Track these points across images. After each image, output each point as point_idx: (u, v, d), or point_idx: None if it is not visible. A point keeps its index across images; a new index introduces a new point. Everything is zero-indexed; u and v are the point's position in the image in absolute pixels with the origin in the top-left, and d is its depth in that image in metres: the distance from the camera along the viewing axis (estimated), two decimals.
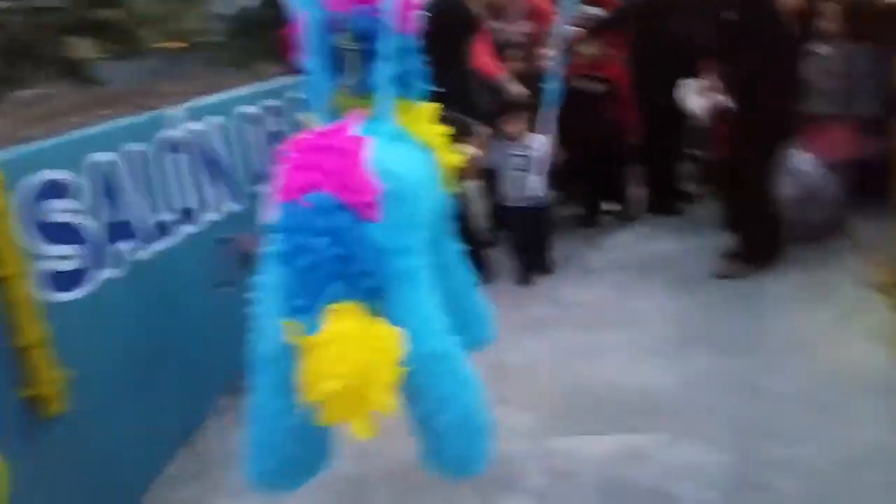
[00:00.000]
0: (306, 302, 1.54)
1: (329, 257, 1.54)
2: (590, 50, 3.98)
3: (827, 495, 1.97)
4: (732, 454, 2.18)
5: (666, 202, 4.32)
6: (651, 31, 3.93)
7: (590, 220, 4.25)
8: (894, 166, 2.83)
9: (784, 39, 3.26)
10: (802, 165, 3.57)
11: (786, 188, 3.50)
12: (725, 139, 3.64)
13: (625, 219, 4.24)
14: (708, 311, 3.10)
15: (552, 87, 3.38)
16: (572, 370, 2.78)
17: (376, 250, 1.58)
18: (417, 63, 1.85)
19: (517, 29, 4.20)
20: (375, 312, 1.59)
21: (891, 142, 3.40)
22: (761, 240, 3.41)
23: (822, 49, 3.69)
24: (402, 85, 1.79)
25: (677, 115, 4.09)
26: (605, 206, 4.35)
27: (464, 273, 2.17)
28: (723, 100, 3.28)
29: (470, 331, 2.07)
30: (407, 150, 1.75)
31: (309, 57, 1.76)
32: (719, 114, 3.42)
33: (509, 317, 3.23)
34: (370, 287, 1.59)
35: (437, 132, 1.91)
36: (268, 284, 1.68)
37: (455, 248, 2.12)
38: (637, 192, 4.39)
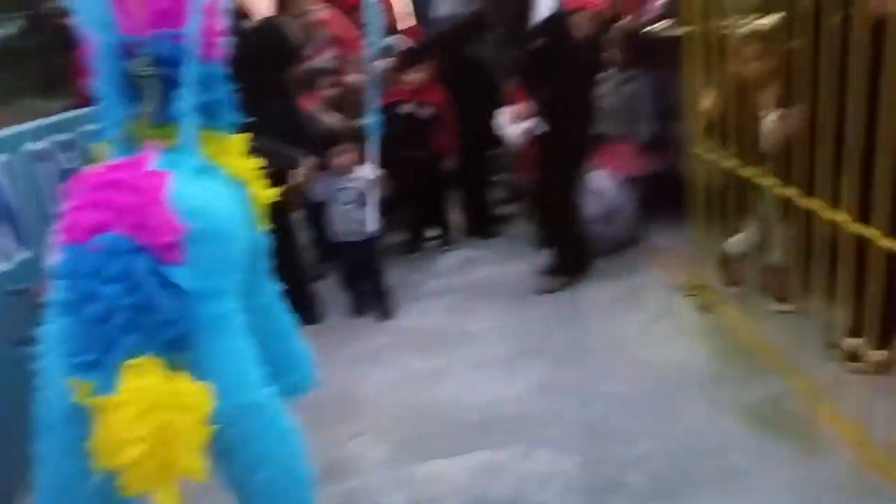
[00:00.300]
0: (97, 357, 1.33)
1: (123, 306, 1.34)
2: (414, 76, 4.02)
3: (671, 486, 2.10)
4: (584, 457, 2.28)
5: (483, 225, 4.47)
6: (456, 59, 4.07)
7: (414, 246, 4.29)
8: (689, 179, 3.13)
9: (580, 67, 3.51)
10: (601, 184, 3.88)
11: (589, 206, 3.78)
12: (533, 163, 3.87)
13: (447, 243, 4.33)
14: (537, 325, 3.23)
15: (373, 116, 3.35)
16: (419, 395, 2.78)
17: (180, 296, 1.41)
18: (225, 92, 1.68)
19: (323, 56, 4.18)
20: (180, 365, 1.42)
21: (675, 158, 3.80)
22: (573, 255, 3.63)
23: (610, 75, 4.05)
24: (209, 115, 1.63)
25: (488, 141, 4.29)
26: (427, 231, 4.42)
27: (283, 315, 2.00)
28: (534, 125, 3.45)
29: (290, 376, 1.95)
30: (214, 185, 1.59)
31: (101, 84, 1.55)
32: (530, 138, 3.61)
33: (348, 349, 3.19)
34: (173, 338, 1.41)
35: (248, 165, 1.76)
36: (52, 337, 1.46)
37: (273, 289, 1.95)
38: (456, 216, 4.51)
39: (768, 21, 2.55)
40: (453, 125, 4.20)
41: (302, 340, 2.00)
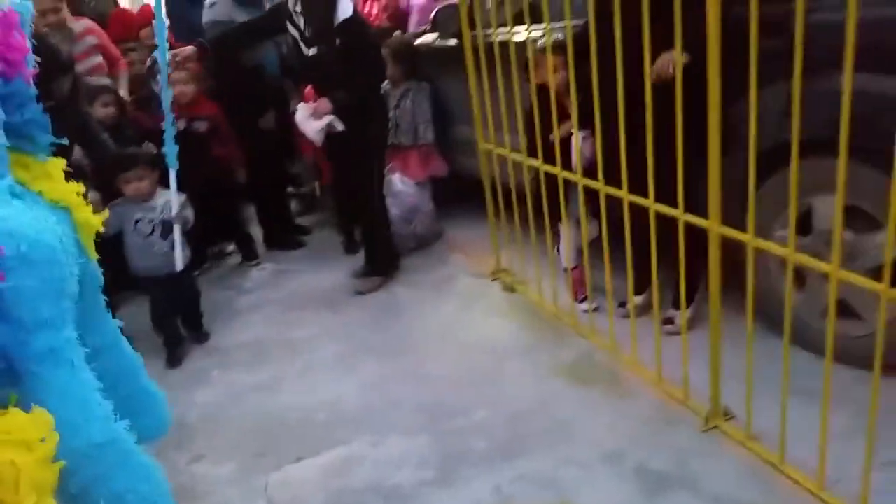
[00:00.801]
0: None
1: None
2: (183, 90, 3.83)
3: (511, 445, 2.33)
4: (429, 435, 2.44)
5: (285, 236, 4.47)
6: (230, 68, 3.95)
7: (203, 259, 4.12)
8: (484, 179, 3.42)
9: (377, 69, 3.66)
10: (398, 187, 4.08)
11: (392, 208, 3.96)
12: (331, 166, 3.98)
13: (250, 258, 4.26)
14: (360, 325, 3.34)
15: (170, 137, 3.05)
16: (257, 407, 2.77)
17: (2, 327, 1.32)
18: (35, 112, 1.60)
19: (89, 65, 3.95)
20: (12, 402, 1.33)
21: (459, 158, 4.11)
22: (382, 254, 3.78)
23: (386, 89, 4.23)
24: (19, 137, 1.55)
25: (277, 148, 4.30)
26: (226, 247, 4.33)
27: (127, 353, 1.84)
28: (334, 122, 3.49)
29: (141, 419, 1.83)
30: (31, 209, 1.46)
31: None
32: (328, 141, 3.64)
33: (170, 376, 3.06)
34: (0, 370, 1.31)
35: (70, 190, 1.62)
36: None
37: (113, 326, 1.80)
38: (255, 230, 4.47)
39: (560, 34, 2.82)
40: (232, 136, 4.08)
41: (150, 380, 1.90)
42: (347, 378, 2.88)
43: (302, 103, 3.63)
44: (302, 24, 3.39)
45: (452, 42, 3.80)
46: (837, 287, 1.73)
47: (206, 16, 4.00)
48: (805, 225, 2.36)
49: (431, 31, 4.16)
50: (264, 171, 4.29)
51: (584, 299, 3.02)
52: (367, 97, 3.51)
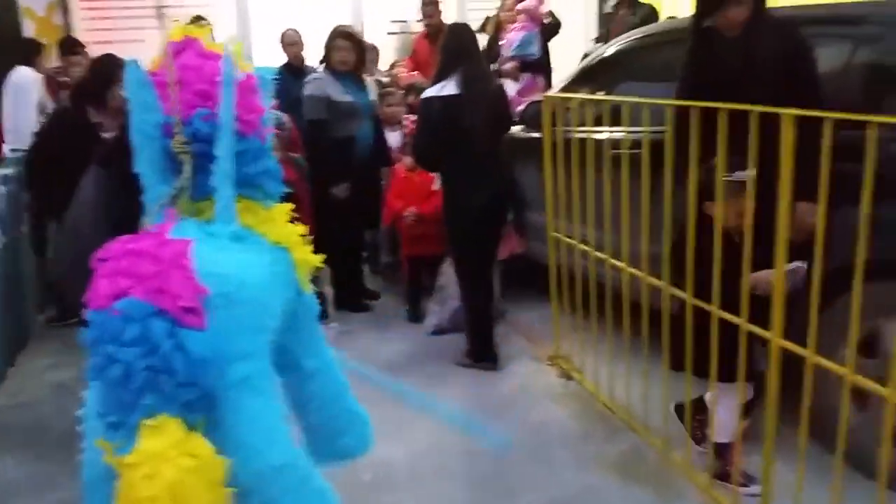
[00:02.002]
0: (120, 418, 1.41)
1: (140, 368, 1.44)
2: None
3: None
4: None
5: (354, 300, 4.64)
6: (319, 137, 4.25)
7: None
8: (551, 266, 3.53)
9: None
10: None
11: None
12: (418, 238, 4.17)
13: (321, 316, 4.41)
14: (417, 390, 3.40)
15: None
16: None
17: (202, 359, 1.46)
18: (267, 164, 1.73)
19: None
20: (203, 426, 1.48)
21: (530, 242, 4.24)
22: (479, 341, 3.74)
23: None
24: (250, 187, 1.69)
25: (352, 217, 4.51)
26: None
27: (337, 377, 1.98)
28: None
29: (344, 438, 1.94)
30: (247, 252, 1.62)
31: (141, 162, 1.66)
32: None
33: None
34: (191, 399, 1.46)
35: (292, 231, 1.78)
36: (90, 401, 1.51)
37: (328, 352, 1.95)
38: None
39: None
40: (306, 204, 4.19)
41: (356, 402, 2.06)
42: (398, 441, 2.95)
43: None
44: None
45: (536, 134, 3.99)
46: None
47: (306, 90, 4.30)
48: (873, 348, 2.37)
49: (519, 123, 4.37)
50: (336, 238, 4.50)
51: (749, 480, 2.47)
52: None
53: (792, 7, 2.63)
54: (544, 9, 6.15)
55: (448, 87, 3.47)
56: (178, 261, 1.51)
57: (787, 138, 1.90)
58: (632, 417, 2.95)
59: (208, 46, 1.66)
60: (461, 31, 3.70)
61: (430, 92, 3.54)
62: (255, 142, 1.67)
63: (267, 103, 1.72)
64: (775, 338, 2.08)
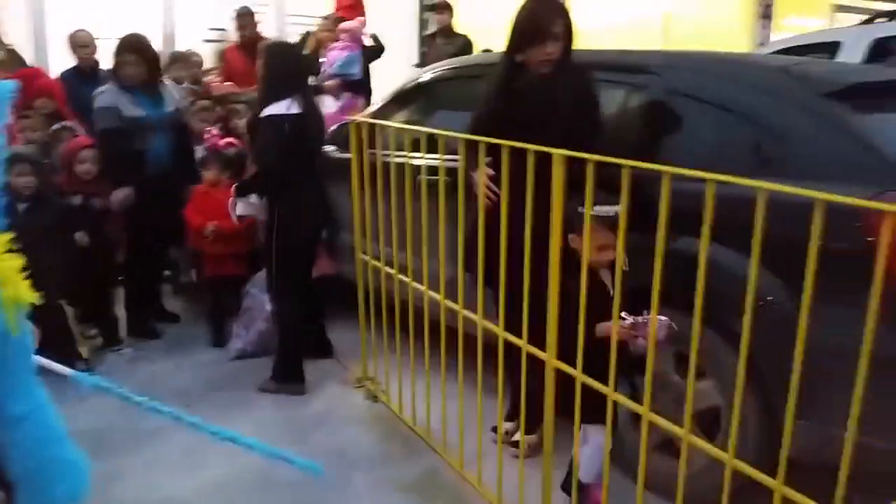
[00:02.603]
0: None
1: None
2: (85, 167, 3.88)
3: None
4: None
5: (148, 324, 4.35)
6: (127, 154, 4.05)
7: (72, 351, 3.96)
8: (359, 288, 3.51)
9: None
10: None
11: (265, 305, 3.98)
12: (221, 258, 4.02)
13: (114, 343, 4.10)
14: (213, 419, 3.22)
15: None
16: (93, 499, 2.60)
17: None
18: None
19: None
20: None
21: (341, 263, 4.22)
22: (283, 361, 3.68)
23: None
24: None
25: (162, 234, 4.29)
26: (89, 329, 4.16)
27: (51, 422, 1.86)
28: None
29: (58, 484, 1.80)
30: None
31: None
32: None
33: None
34: None
35: (6, 266, 1.58)
36: None
37: (40, 394, 1.82)
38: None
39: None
40: (122, 218, 4.11)
41: (74, 448, 1.84)
42: (192, 475, 2.80)
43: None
44: None
45: (347, 155, 3.98)
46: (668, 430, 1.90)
47: (96, 102, 4.05)
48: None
49: (331, 143, 4.34)
50: (148, 255, 4.30)
51: None
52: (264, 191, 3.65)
53: (580, 50, 2.80)
54: (367, 31, 6.23)
55: (293, 107, 3.46)
56: None
57: (557, 177, 2.04)
58: (431, 437, 3.00)
59: None
60: (292, 52, 3.88)
61: (274, 110, 3.45)
62: None
63: (2, 121, 1.56)
64: (550, 359, 2.21)
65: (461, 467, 2.76)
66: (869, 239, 1.90)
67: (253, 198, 3.69)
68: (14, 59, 5.36)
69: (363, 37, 6.34)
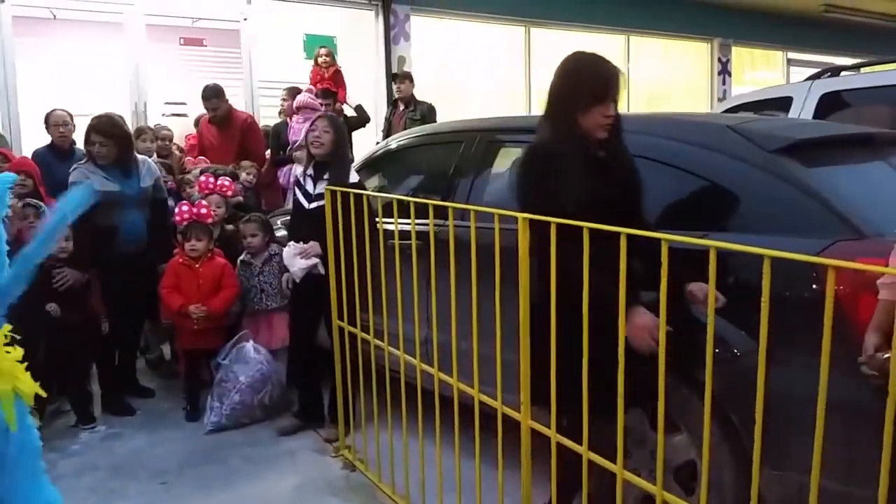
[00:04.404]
0: None
1: None
2: (60, 245, 3.82)
3: None
4: None
5: (124, 401, 4.28)
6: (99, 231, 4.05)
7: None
8: (336, 356, 3.51)
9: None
10: (252, 354, 4.09)
11: (240, 376, 3.96)
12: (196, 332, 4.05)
13: (87, 421, 4.01)
14: (190, 497, 3.20)
15: None
16: None
17: None
18: None
19: None
20: None
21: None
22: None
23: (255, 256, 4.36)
24: None
25: (140, 308, 4.28)
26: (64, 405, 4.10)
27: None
28: (319, 266, 3.68)
29: None
30: None
31: None
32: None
33: None
34: None
35: (6, 358, 1.60)
36: None
37: (49, 493, 1.76)
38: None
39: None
40: (102, 292, 4.13)
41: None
42: None
43: (292, 242, 3.79)
44: (310, 185, 3.77)
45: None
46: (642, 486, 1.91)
47: (71, 177, 4.12)
48: None
49: None
50: (125, 328, 4.29)
51: None
52: None
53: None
54: (350, 102, 6.52)
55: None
56: None
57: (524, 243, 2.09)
58: None
59: None
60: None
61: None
62: None
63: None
64: (524, 420, 2.22)
65: None
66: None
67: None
68: None
69: (346, 107, 6.60)
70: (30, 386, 1.61)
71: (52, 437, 3.84)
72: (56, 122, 4.98)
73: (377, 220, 3.19)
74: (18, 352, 1.61)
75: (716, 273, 1.62)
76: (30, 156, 5.07)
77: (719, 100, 11.39)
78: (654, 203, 2.56)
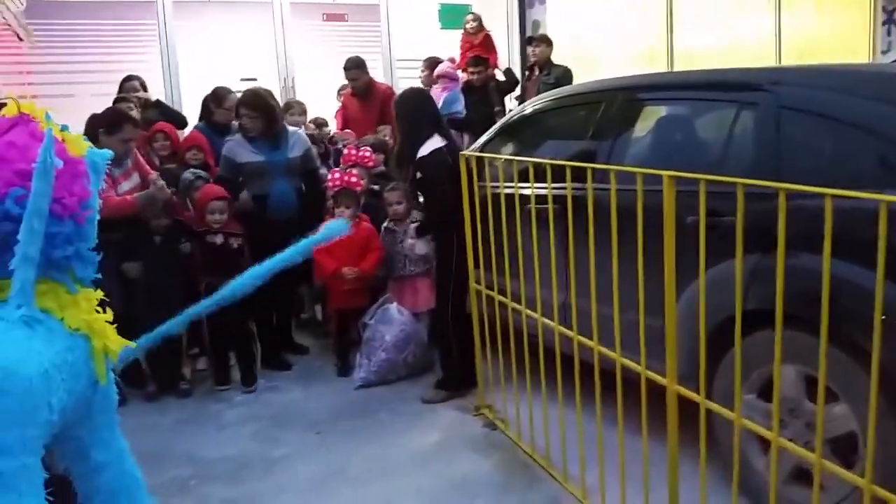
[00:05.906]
0: None
1: None
2: (215, 217, 4.15)
3: None
4: None
5: (280, 356, 4.59)
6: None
7: (222, 378, 4.26)
8: (474, 319, 3.59)
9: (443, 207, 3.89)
10: (396, 316, 4.26)
11: (385, 335, 4.14)
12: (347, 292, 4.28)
13: (249, 382, 4.28)
14: (340, 448, 3.41)
15: None
16: None
17: None
18: (82, 249, 1.71)
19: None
20: None
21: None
22: (453, 370, 3.91)
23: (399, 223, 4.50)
24: (58, 269, 1.68)
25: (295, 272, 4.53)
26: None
27: (127, 472, 1.95)
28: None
29: None
30: (31, 338, 1.58)
31: None
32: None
33: (149, 479, 3.09)
34: None
35: (94, 319, 1.74)
36: None
37: (119, 445, 1.92)
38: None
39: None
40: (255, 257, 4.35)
41: (149, 498, 1.97)
42: (319, 502, 2.93)
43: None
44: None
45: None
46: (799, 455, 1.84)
47: (224, 150, 4.48)
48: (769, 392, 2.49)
49: None
50: (282, 291, 4.50)
51: None
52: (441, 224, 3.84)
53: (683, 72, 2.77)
54: (501, 66, 6.67)
55: (435, 142, 3.81)
56: None
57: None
58: (552, 466, 3.00)
59: (43, 127, 1.62)
60: (424, 95, 4.27)
61: (432, 146, 3.79)
62: (70, 225, 1.64)
63: (96, 186, 1.69)
64: (671, 385, 2.18)
65: (584, 497, 2.75)
66: None
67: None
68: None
69: (497, 71, 6.61)
70: (118, 344, 1.76)
71: (218, 392, 4.20)
72: (230, 105, 5.30)
73: (514, 185, 3.21)
74: (108, 315, 1.75)
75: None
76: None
77: (883, 52, 10.37)
78: (817, 159, 2.41)
